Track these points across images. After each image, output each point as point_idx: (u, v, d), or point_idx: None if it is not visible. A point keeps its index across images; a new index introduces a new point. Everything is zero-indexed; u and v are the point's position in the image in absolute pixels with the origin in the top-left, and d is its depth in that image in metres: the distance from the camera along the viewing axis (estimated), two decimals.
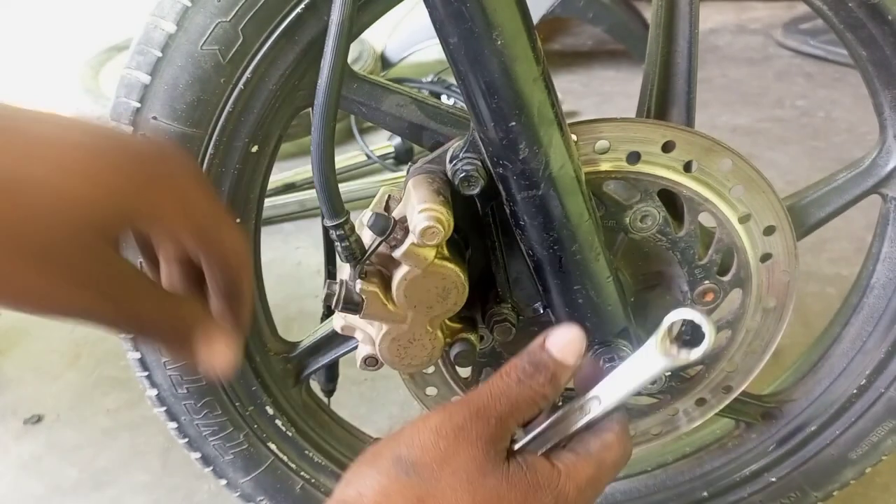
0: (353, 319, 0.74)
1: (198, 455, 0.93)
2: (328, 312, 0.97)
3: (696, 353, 0.56)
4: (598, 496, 0.62)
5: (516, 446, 0.62)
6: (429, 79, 2.26)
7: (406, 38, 2.45)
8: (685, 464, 1.04)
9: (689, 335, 0.57)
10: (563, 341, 0.62)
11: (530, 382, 0.60)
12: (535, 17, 2.29)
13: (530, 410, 0.60)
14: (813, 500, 1.00)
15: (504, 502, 0.55)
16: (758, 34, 2.99)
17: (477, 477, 0.55)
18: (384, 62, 2.52)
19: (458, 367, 0.82)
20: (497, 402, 0.58)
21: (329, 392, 1.06)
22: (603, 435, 0.62)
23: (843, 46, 0.77)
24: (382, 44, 2.53)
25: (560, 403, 0.66)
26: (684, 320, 0.56)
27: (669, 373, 0.82)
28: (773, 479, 1.00)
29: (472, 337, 0.74)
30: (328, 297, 0.69)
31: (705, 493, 1.02)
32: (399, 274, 0.67)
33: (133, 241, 0.57)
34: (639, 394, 0.84)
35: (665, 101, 0.78)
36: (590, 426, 0.62)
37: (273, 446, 0.94)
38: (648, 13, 0.77)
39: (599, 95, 2.57)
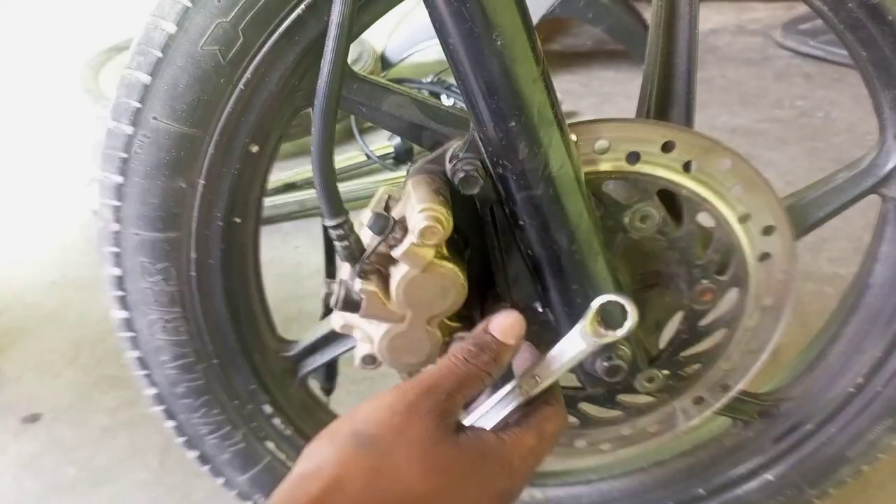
0: (352, 318, 0.74)
1: (196, 453, 0.93)
2: (327, 312, 0.97)
3: (620, 332, 0.65)
4: (540, 464, 0.68)
5: (465, 422, 0.67)
6: (429, 79, 2.26)
7: (406, 38, 2.44)
8: (682, 461, 1.04)
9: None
10: (505, 324, 0.67)
11: (475, 361, 0.65)
12: (535, 17, 2.28)
13: (476, 387, 0.65)
14: (809, 498, 1.00)
15: (454, 469, 0.60)
16: (757, 35, 2.99)
17: (429, 447, 0.59)
18: (384, 62, 2.51)
19: None
20: (445, 379, 0.63)
21: (328, 391, 1.06)
22: (541, 409, 0.68)
23: (842, 47, 0.77)
24: (382, 44, 2.52)
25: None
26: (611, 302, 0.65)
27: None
28: (770, 478, 1.00)
29: None
30: (327, 297, 0.69)
31: (702, 491, 1.03)
32: (398, 273, 0.68)
33: None
34: (633, 392, 0.85)
35: (665, 101, 0.78)
36: (530, 402, 0.68)
37: (271, 445, 0.95)
38: (648, 14, 0.77)
39: (599, 96, 2.57)
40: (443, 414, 0.62)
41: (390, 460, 0.58)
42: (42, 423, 1.38)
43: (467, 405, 0.68)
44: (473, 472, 0.61)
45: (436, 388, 0.63)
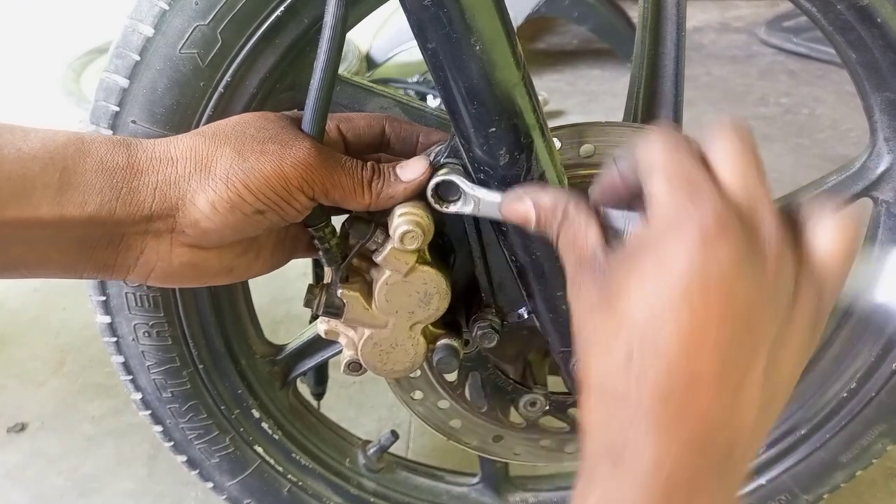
0: (336, 324, 0.73)
1: (184, 458, 0.93)
2: (316, 315, 0.97)
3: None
4: None
5: None
6: (415, 79, 2.25)
7: (392, 37, 2.43)
8: None
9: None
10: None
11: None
12: (521, 16, 2.27)
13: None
14: None
15: None
16: (741, 32, 3.00)
17: None
18: (370, 62, 2.50)
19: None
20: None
21: (319, 395, 1.06)
22: None
23: (826, 44, 0.76)
24: (368, 43, 2.51)
25: None
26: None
27: None
28: (763, 482, 0.99)
29: (456, 342, 0.73)
30: (308, 302, 0.69)
31: None
32: (380, 278, 0.67)
33: None
34: None
35: (653, 103, 0.77)
36: None
37: (260, 449, 0.94)
38: (634, 13, 0.76)
39: (585, 94, 2.57)
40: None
41: None
42: (28, 432, 1.35)
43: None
44: None
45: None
